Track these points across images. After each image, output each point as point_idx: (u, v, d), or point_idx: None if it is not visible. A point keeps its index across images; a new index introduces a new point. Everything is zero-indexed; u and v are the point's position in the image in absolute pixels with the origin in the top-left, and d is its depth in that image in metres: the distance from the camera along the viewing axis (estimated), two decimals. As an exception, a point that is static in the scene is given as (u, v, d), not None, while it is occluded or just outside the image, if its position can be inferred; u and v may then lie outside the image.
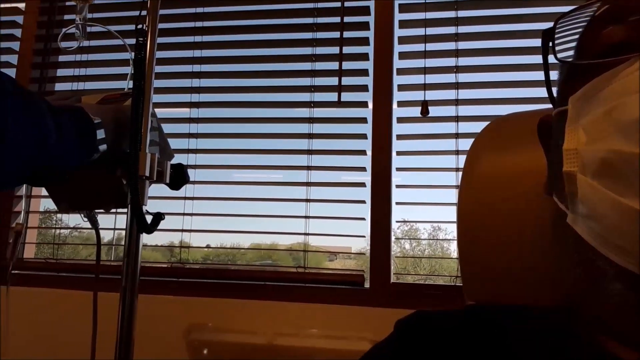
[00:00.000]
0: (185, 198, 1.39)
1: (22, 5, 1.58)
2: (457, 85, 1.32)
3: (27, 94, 0.57)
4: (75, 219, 1.56)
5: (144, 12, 0.80)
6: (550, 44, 0.35)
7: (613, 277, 0.29)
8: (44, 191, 1.49)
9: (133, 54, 0.76)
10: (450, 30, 1.34)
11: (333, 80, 1.36)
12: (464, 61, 1.33)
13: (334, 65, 1.36)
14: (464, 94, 1.32)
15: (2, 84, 0.53)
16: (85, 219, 0.80)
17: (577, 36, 0.35)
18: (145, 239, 0.79)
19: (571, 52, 0.35)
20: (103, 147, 0.68)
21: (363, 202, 1.31)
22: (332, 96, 1.36)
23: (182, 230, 1.39)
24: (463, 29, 1.34)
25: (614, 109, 0.28)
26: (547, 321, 0.37)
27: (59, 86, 1.57)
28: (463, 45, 1.33)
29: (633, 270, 0.27)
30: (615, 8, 0.32)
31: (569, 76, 0.35)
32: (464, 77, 1.32)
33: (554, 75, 0.38)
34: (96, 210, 0.81)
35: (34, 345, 1.32)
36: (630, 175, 0.26)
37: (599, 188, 0.27)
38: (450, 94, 1.32)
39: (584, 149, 0.29)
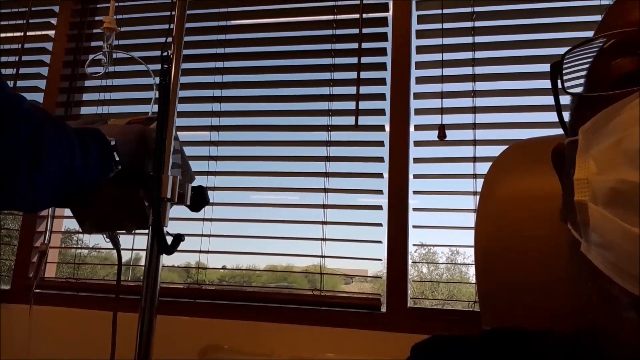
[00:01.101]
0: (204, 219, 1.41)
1: (51, 33, 1.64)
2: (474, 110, 1.33)
3: (57, 123, 0.60)
4: (95, 239, 1.59)
5: (169, 39, 0.83)
6: (559, 76, 0.35)
7: (628, 305, 0.29)
8: (66, 212, 1.52)
9: (158, 79, 0.78)
10: (468, 55, 1.36)
11: (350, 104, 1.38)
12: (481, 85, 1.34)
13: (351, 90, 1.38)
14: (482, 117, 1.32)
15: (36, 114, 0.56)
16: (108, 240, 0.81)
17: (586, 68, 0.36)
18: (163, 259, 0.80)
19: (581, 82, 0.36)
20: (117, 167, 0.70)
21: (380, 224, 1.31)
22: (350, 120, 1.38)
23: (200, 252, 1.41)
24: (480, 54, 1.35)
25: (622, 140, 0.28)
26: (567, 347, 0.37)
27: (85, 110, 1.62)
28: (480, 70, 1.35)
29: (634, 292, 0.27)
30: (625, 40, 0.33)
31: (579, 107, 0.36)
32: (481, 102, 1.33)
33: (566, 100, 0.38)
34: (118, 231, 0.83)
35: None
36: (633, 203, 0.26)
37: (610, 217, 0.28)
38: (467, 118, 1.33)
39: (594, 178, 0.30)
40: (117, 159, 0.70)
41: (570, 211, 0.32)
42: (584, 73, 0.36)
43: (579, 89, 0.36)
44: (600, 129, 0.31)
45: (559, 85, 0.36)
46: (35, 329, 1.27)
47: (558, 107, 0.37)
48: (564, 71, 0.35)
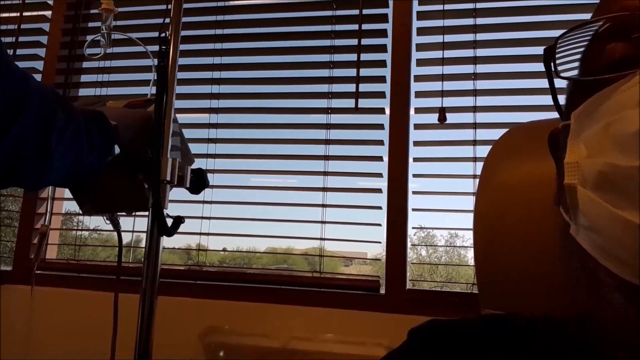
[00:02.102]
0: (203, 202, 1.41)
1: (48, 13, 1.62)
2: (475, 92, 1.32)
3: (66, 105, 0.60)
4: (95, 221, 1.60)
5: (167, 20, 0.82)
6: (553, 60, 0.36)
7: (613, 288, 0.29)
8: (66, 193, 1.53)
9: (156, 61, 0.78)
10: (469, 37, 1.34)
11: (351, 87, 1.37)
12: (482, 68, 1.33)
13: (351, 72, 1.37)
14: (482, 100, 1.31)
15: (47, 97, 0.55)
16: (108, 222, 0.82)
17: (580, 52, 0.36)
18: (163, 241, 0.81)
19: (576, 66, 0.36)
20: (116, 150, 0.70)
21: (379, 207, 1.32)
22: (350, 102, 1.37)
23: (201, 234, 1.41)
24: (481, 36, 1.34)
25: (611, 124, 0.28)
26: (559, 332, 0.37)
27: (83, 91, 1.61)
28: (481, 52, 1.33)
29: (632, 281, 0.27)
30: (618, 25, 0.33)
31: (573, 91, 0.37)
32: (482, 84, 1.32)
33: (563, 84, 0.38)
34: (118, 213, 0.83)
35: (56, 344, 1.35)
36: (627, 189, 0.26)
37: (597, 201, 0.28)
38: (468, 101, 1.32)
39: (584, 162, 0.30)
40: (117, 142, 0.70)
41: (562, 194, 0.32)
42: (578, 57, 0.36)
43: (573, 73, 0.36)
44: (591, 113, 0.31)
45: (553, 70, 0.36)
46: (37, 310, 1.28)
47: (553, 91, 0.37)
48: (558, 55, 0.36)
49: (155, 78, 0.76)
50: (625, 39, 0.32)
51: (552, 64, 0.36)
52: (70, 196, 0.80)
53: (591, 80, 0.33)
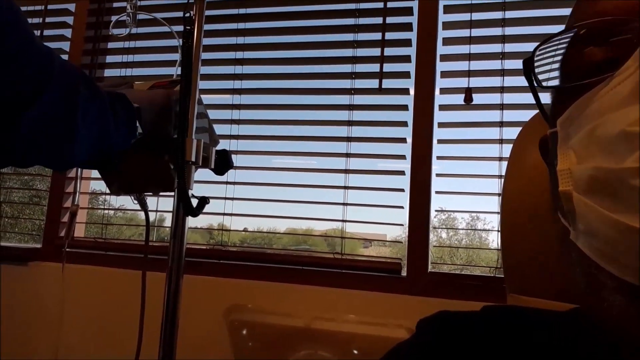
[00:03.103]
0: (227, 183, 1.42)
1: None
2: (502, 72, 1.28)
3: (91, 82, 0.60)
4: (121, 200, 1.63)
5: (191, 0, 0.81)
6: (533, 71, 0.36)
7: (614, 289, 0.30)
8: (93, 173, 1.56)
9: (181, 41, 0.77)
10: (498, 15, 1.30)
11: (374, 67, 1.35)
12: (510, 47, 1.29)
13: (376, 52, 1.35)
14: (510, 81, 1.28)
15: (70, 73, 0.56)
16: (135, 202, 0.83)
17: (559, 60, 0.36)
18: (188, 221, 0.82)
19: (556, 75, 0.36)
20: (139, 132, 0.71)
21: (402, 190, 1.31)
22: (374, 83, 1.35)
23: (224, 214, 1.43)
24: (510, 14, 1.29)
25: (596, 128, 0.29)
26: (565, 325, 0.38)
27: (108, 72, 1.63)
28: (510, 30, 1.29)
29: (632, 282, 0.27)
30: (595, 30, 0.33)
31: (556, 98, 0.37)
32: (510, 64, 1.28)
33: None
34: (145, 194, 0.84)
35: (85, 320, 1.39)
36: (619, 191, 0.27)
37: (593, 206, 0.28)
38: (495, 82, 1.29)
39: (575, 168, 0.30)
40: (139, 125, 0.70)
41: (558, 201, 0.32)
42: (557, 66, 0.36)
43: (555, 82, 0.36)
44: (576, 119, 0.31)
45: (534, 81, 0.36)
46: (66, 286, 1.32)
47: (538, 101, 0.38)
48: (537, 65, 0.36)
49: (180, 58, 0.76)
50: (602, 43, 0.32)
51: (532, 75, 0.37)
52: (97, 176, 0.81)
53: (572, 86, 0.33)
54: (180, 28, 0.78)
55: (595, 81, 0.31)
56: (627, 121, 0.27)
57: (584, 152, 0.30)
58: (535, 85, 0.37)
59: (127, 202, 1.71)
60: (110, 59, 1.63)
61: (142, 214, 0.86)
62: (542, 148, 0.41)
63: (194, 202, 0.78)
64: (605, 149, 0.28)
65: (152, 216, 1.55)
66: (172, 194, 0.80)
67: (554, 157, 0.34)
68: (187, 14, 0.78)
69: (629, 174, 0.26)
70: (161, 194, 1.36)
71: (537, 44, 0.37)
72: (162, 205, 1.46)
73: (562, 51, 0.36)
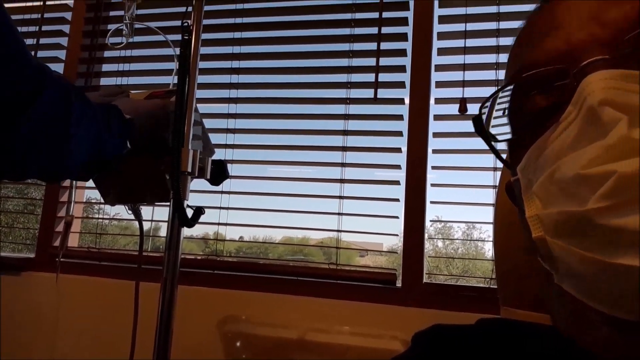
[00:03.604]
0: (222, 192, 1.42)
1: (70, 2, 1.64)
2: (497, 83, 1.29)
3: (83, 94, 0.61)
4: (115, 209, 1.62)
5: (189, 8, 0.82)
6: (483, 128, 0.38)
7: (601, 322, 0.30)
8: (88, 182, 1.55)
9: (177, 50, 0.77)
10: (492, 25, 1.32)
11: (370, 77, 1.35)
12: (505, 58, 1.29)
13: (371, 62, 1.35)
14: (505, 91, 1.28)
15: (63, 86, 0.56)
16: (130, 212, 0.83)
17: (506, 111, 0.37)
18: (183, 231, 0.81)
19: (507, 125, 0.38)
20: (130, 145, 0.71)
21: (397, 200, 1.31)
22: (369, 92, 1.36)
23: (219, 224, 1.42)
24: (504, 24, 1.31)
25: (553, 173, 0.30)
26: (558, 336, 0.38)
27: (104, 81, 1.63)
28: (504, 41, 1.30)
29: (618, 315, 0.28)
30: (534, 80, 0.34)
31: (512, 147, 0.38)
32: (504, 75, 1.29)
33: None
34: (140, 203, 0.84)
35: (79, 330, 1.38)
36: (587, 231, 0.27)
37: (567, 247, 0.29)
38: (490, 92, 1.28)
39: (542, 213, 0.31)
40: (132, 136, 0.70)
41: (535, 245, 0.33)
42: (505, 120, 0.38)
43: (507, 133, 0.37)
44: (533, 165, 0.33)
45: (487, 136, 0.38)
46: (60, 297, 1.31)
47: (496, 153, 0.39)
48: (486, 120, 0.38)
49: (177, 67, 0.76)
50: (542, 92, 0.34)
51: (484, 131, 0.38)
52: (92, 184, 0.81)
53: (523, 135, 0.34)
54: (176, 37, 0.79)
55: (543, 128, 0.32)
56: (580, 164, 0.27)
57: (547, 197, 0.30)
58: (490, 139, 0.38)
59: (122, 210, 1.70)
60: (106, 67, 1.63)
61: (137, 223, 0.85)
62: (509, 193, 0.41)
63: (190, 212, 0.77)
64: (566, 193, 0.28)
65: (146, 225, 1.55)
66: (168, 203, 0.80)
67: (521, 203, 0.34)
68: (185, 23, 0.79)
69: (594, 215, 0.26)
70: (156, 203, 1.36)
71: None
72: (158, 214, 1.45)
73: (506, 104, 0.37)
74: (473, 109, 1.28)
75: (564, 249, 0.29)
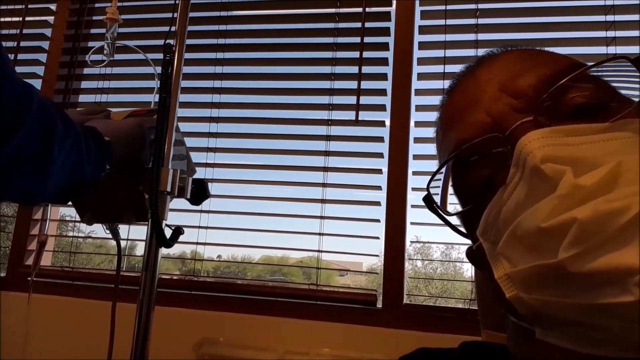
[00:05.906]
0: (201, 211, 1.40)
1: (50, 19, 1.62)
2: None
3: (66, 117, 0.60)
4: (89, 227, 1.58)
5: (172, 28, 0.82)
6: (434, 206, 0.39)
7: None
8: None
9: (159, 69, 0.77)
10: (470, 52, 1.35)
11: (351, 99, 1.37)
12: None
13: (353, 85, 1.37)
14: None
15: (47, 108, 0.55)
16: (108, 231, 0.81)
17: (451, 186, 0.39)
18: (161, 251, 0.80)
19: (455, 198, 0.39)
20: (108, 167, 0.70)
21: (377, 220, 1.31)
22: (350, 114, 1.37)
23: (197, 243, 1.40)
24: (483, 51, 1.34)
25: (515, 231, 0.30)
26: None
27: (83, 98, 1.61)
28: (482, 67, 1.34)
29: (614, 356, 0.28)
30: (469, 155, 0.36)
31: (465, 217, 0.40)
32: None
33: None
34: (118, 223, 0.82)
35: (52, 353, 1.33)
36: (560, 281, 0.27)
37: (546, 299, 0.29)
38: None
39: (511, 272, 0.31)
40: (111, 158, 0.69)
41: (509, 307, 0.33)
42: (452, 192, 0.39)
43: (458, 205, 0.39)
44: (492, 228, 0.33)
45: (440, 211, 0.40)
46: (31, 318, 1.27)
47: (451, 226, 0.41)
48: (436, 197, 0.39)
49: (159, 86, 0.76)
50: (481, 158, 0.35)
51: (435, 207, 0.39)
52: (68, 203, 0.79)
53: (474, 205, 0.36)
54: (157, 56, 0.78)
55: (491, 193, 0.33)
56: (539, 218, 0.28)
57: (514, 255, 0.31)
58: (442, 213, 0.40)
59: (97, 228, 1.66)
60: (85, 84, 1.61)
61: (112, 241, 0.84)
62: (470, 259, 0.42)
63: (169, 232, 0.76)
64: (532, 247, 0.29)
65: (122, 244, 1.52)
66: (146, 223, 0.78)
67: (487, 267, 0.35)
68: (167, 42, 0.79)
69: (567, 263, 0.26)
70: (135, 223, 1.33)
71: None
72: (134, 232, 1.43)
73: (449, 181, 0.39)
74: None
75: (544, 301, 0.29)
